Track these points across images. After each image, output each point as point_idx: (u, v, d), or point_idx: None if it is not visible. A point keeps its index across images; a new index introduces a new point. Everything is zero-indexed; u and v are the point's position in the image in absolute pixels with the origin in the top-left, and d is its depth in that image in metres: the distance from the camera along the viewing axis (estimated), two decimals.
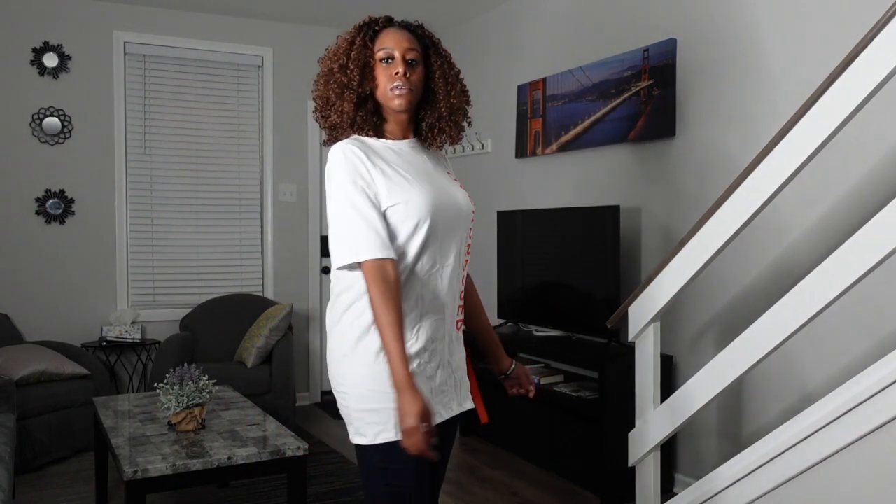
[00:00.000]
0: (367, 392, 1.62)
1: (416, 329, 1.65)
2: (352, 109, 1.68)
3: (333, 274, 1.68)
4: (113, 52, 4.81)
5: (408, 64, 1.68)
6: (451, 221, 1.69)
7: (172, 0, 4.79)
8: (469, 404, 1.79)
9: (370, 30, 1.72)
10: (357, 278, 1.61)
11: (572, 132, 4.06)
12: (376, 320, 1.56)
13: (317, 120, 1.77)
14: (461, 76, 1.80)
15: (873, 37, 1.90)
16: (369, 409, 1.62)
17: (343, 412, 1.70)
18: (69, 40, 4.68)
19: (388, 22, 1.75)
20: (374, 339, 1.61)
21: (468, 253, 1.77)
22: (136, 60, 4.92)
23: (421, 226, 1.63)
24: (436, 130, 1.76)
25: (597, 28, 3.97)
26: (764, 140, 2.84)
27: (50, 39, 4.63)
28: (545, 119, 4.27)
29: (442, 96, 1.74)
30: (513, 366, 1.96)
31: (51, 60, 4.62)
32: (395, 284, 1.57)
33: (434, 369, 1.68)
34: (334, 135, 1.73)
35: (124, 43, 4.84)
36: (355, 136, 1.70)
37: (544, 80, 4.28)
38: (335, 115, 1.70)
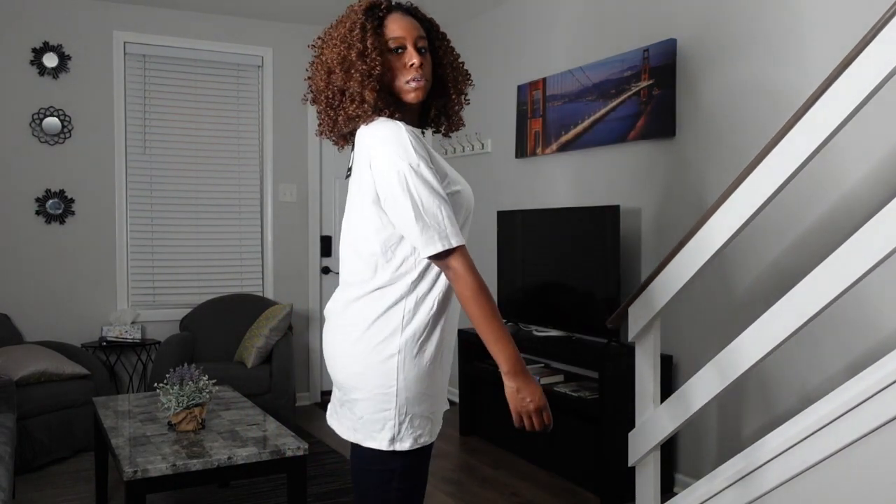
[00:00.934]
0: (419, 395, 1.55)
1: (441, 321, 1.57)
2: (373, 97, 1.55)
3: (364, 265, 1.56)
4: (113, 52, 4.81)
5: (419, 53, 1.60)
6: (469, 217, 1.68)
7: (172, 0, 4.79)
8: None
9: (376, 14, 1.61)
10: (407, 271, 1.52)
11: (572, 132, 4.06)
12: (481, 310, 1.45)
13: (323, 112, 1.63)
14: (459, 57, 1.75)
15: (872, 37, 1.90)
16: (416, 413, 1.55)
17: (365, 413, 1.57)
18: (69, 40, 4.68)
19: (391, 6, 1.65)
20: (435, 339, 1.56)
21: None
22: (136, 60, 4.92)
23: (468, 216, 1.64)
24: (450, 116, 1.71)
25: (597, 28, 3.97)
26: (764, 140, 2.84)
27: (50, 39, 4.63)
28: (545, 119, 4.27)
29: (451, 82, 1.68)
30: None
31: (51, 60, 4.62)
32: (476, 273, 1.48)
33: (448, 363, 1.66)
34: (350, 126, 1.60)
35: (124, 43, 4.84)
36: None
37: (544, 80, 4.28)
38: (355, 107, 1.56)
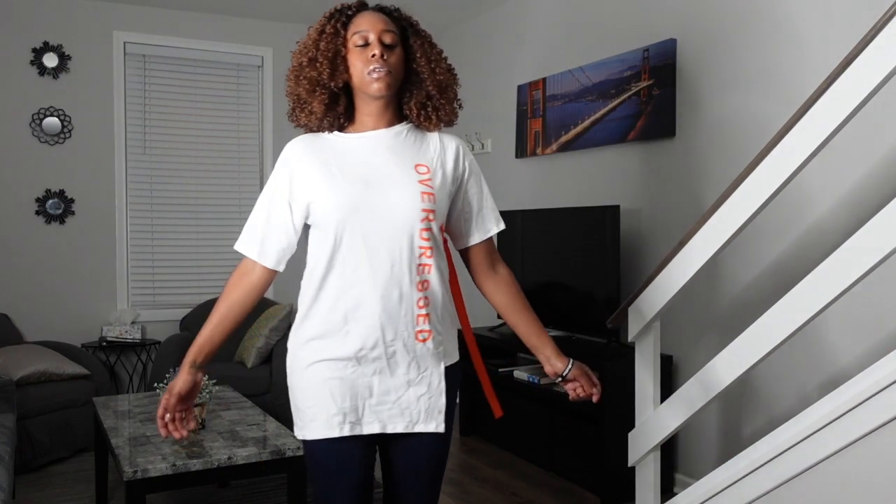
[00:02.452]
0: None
1: (344, 336, 1.57)
2: (321, 110, 1.61)
3: None
4: (113, 52, 4.81)
5: (385, 46, 1.57)
6: (375, 224, 1.56)
7: (172, 0, 4.79)
8: (428, 427, 1.63)
9: (342, 16, 1.62)
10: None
11: (572, 132, 4.06)
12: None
13: (291, 120, 1.69)
14: (444, 55, 1.69)
15: (872, 37, 1.90)
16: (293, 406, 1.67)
17: None
18: (69, 40, 4.68)
19: (362, 6, 1.65)
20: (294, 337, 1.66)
21: (429, 256, 1.59)
22: (136, 60, 4.92)
23: (328, 227, 1.57)
24: (429, 110, 1.64)
25: (597, 28, 3.97)
26: (764, 140, 2.85)
27: (50, 39, 4.63)
28: (545, 119, 4.27)
29: (427, 74, 1.62)
30: (569, 366, 1.72)
31: (51, 60, 4.62)
32: (237, 279, 1.66)
33: (371, 378, 1.60)
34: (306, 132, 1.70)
35: (124, 43, 4.85)
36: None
37: (544, 80, 4.28)
38: (304, 117, 1.64)
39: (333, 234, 1.57)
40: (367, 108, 1.63)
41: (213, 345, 1.63)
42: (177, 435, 1.60)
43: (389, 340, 1.57)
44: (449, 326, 1.68)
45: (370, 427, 1.60)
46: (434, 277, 1.60)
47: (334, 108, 1.63)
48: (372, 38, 1.57)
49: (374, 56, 1.56)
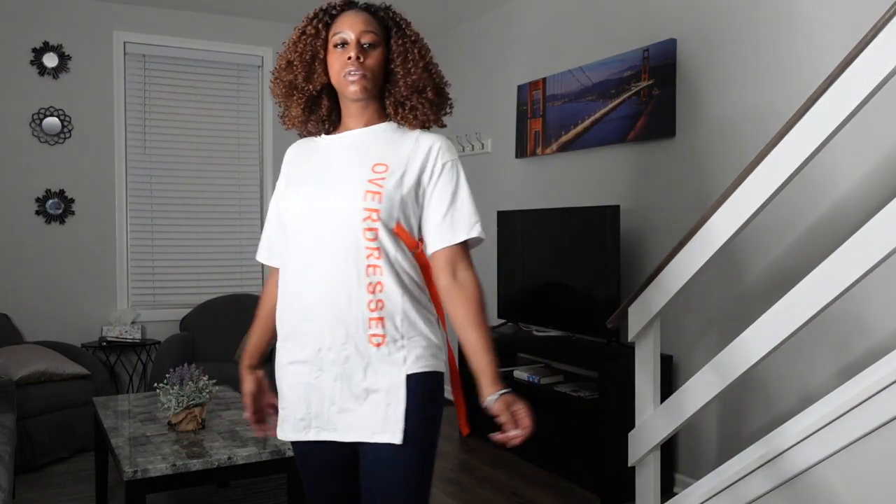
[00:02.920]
0: None
1: (304, 336, 1.57)
2: (299, 113, 1.62)
3: None
4: (113, 52, 4.81)
5: (362, 48, 1.55)
6: (324, 224, 1.54)
7: (172, 0, 4.79)
8: (383, 437, 1.52)
9: (326, 15, 1.60)
10: None
11: (572, 132, 4.06)
12: None
13: (281, 123, 1.71)
14: (430, 56, 1.63)
15: (872, 37, 1.90)
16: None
17: None
18: (69, 40, 4.68)
19: (348, 5, 1.62)
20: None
21: (377, 258, 1.52)
22: (136, 60, 4.92)
23: (288, 228, 1.61)
24: (406, 109, 1.59)
25: (597, 28, 3.97)
26: (763, 140, 2.85)
27: (50, 39, 4.63)
28: (545, 119, 4.27)
29: (401, 75, 1.58)
30: (491, 397, 1.48)
31: (51, 60, 4.62)
32: (267, 284, 1.75)
33: (333, 384, 1.56)
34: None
35: (124, 43, 4.85)
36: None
37: (544, 80, 4.28)
38: (289, 120, 1.66)
39: (291, 234, 1.60)
40: (347, 109, 1.63)
41: (257, 347, 1.78)
42: (259, 434, 1.81)
43: (341, 344, 1.53)
44: (417, 333, 1.56)
45: (331, 434, 1.57)
46: (388, 280, 1.52)
47: (316, 112, 1.63)
48: (351, 38, 1.56)
49: (349, 59, 1.54)
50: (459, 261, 1.58)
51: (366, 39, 1.56)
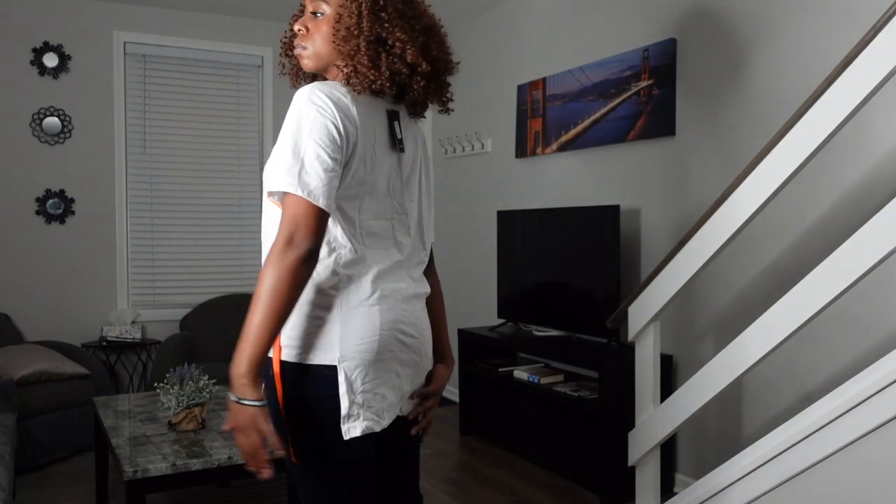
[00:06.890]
0: None
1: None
2: (291, 64, 1.60)
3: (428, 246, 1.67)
4: (113, 52, 4.81)
5: (312, 16, 1.46)
6: None
7: (172, 0, 4.79)
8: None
9: None
10: None
11: (572, 132, 4.06)
12: None
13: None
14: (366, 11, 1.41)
15: (872, 37, 1.90)
16: None
17: None
18: (69, 40, 4.68)
19: None
20: None
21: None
22: (136, 60, 4.92)
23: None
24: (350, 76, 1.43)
25: (597, 28, 3.97)
26: (763, 140, 2.85)
27: (50, 39, 4.63)
28: (545, 119, 4.27)
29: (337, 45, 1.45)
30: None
31: (51, 60, 4.62)
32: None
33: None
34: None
35: (124, 43, 4.85)
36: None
37: (544, 79, 4.28)
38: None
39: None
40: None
41: None
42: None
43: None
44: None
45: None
46: None
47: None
48: (308, 8, 1.48)
49: (299, 31, 1.49)
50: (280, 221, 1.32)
51: (313, 7, 1.47)
